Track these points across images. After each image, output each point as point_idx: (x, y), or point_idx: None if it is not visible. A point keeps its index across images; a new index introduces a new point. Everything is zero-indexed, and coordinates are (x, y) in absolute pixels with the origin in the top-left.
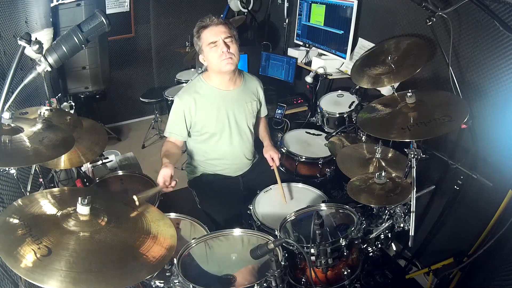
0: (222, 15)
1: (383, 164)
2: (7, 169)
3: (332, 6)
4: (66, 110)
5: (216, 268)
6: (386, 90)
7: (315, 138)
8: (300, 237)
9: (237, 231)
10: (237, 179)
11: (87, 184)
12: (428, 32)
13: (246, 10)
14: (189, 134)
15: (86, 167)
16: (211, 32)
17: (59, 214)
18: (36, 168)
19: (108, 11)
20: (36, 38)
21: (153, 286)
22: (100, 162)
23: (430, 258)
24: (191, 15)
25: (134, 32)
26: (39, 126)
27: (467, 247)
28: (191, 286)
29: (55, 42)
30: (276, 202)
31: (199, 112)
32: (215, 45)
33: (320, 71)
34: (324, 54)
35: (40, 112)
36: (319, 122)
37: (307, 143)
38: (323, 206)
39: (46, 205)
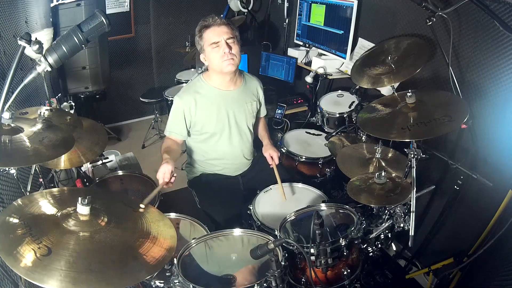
0: (222, 15)
1: (383, 164)
2: (7, 169)
3: (332, 6)
4: (66, 110)
5: (216, 268)
6: (386, 90)
7: (315, 138)
8: (300, 237)
9: (237, 231)
10: (237, 178)
11: (87, 184)
12: (428, 32)
13: (246, 10)
14: (188, 134)
15: (86, 167)
16: (214, 32)
17: (59, 214)
18: (36, 168)
19: (108, 11)
20: (36, 38)
21: (153, 286)
22: (100, 162)
23: (430, 258)
24: (191, 15)
25: (134, 32)
26: (39, 126)
27: (467, 247)
28: (191, 286)
29: (55, 42)
30: (276, 202)
31: (199, 112)
32: (217, 45)
33: (320, 71)
34: (324, 54)
35: (40, 112)
36: (319, 122)
37: (307, 143)
38: (323, 206)
39: (46, 205)
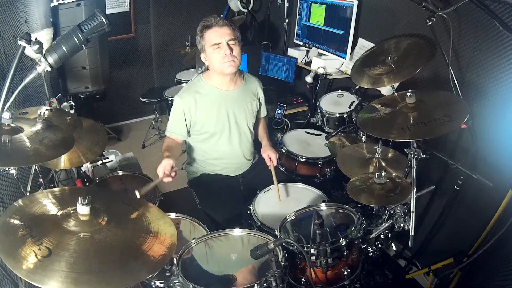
0: (222, 15)
1: (383, 164)
2: (7, 169)
3: (332, 6)
4: (66, 110)
5: (216, 268)
6: (386, 90)
7: (315, 138)
8: (300, 237)
9: (237, 231)
10: (237, 178)
11: (87, 184)
12: (428, 32)
13: (246, 10)
14: (189, 134)
15: (86, 167)
16: (216, 33)
17: (59, 214)
18: (36, 168)
19: (108, 11)
20: (36, 38)
21: (153, 286)
22: (100, 162)
23: (430, 258)
24: (191, 15)
25: (134, 32)
26: (39, 126)
27: (467, 247)
28: (191, 286)
29: (55, 42)
30: (276, 202)
31: (199, 111)
32: (218, 46)
33: (320, 71)
34: (324, 54)
35: (40, 112)
36: (319, 122)
37: (307, 143)
38: (323, 206)
39: (46, 205)
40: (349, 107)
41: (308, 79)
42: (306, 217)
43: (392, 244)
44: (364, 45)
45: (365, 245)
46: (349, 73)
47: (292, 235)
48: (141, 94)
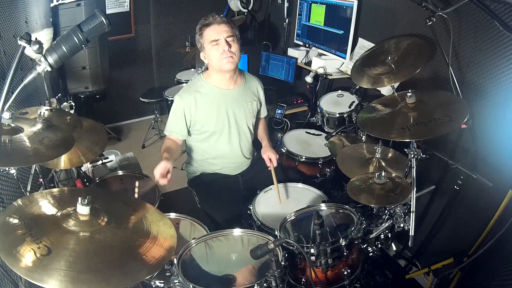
0: (222, 15)
1: (383, 164)
2: (7, 169)
3: (332, 6)
4: (66, 110)
5: (216, 268)
6: (386, 90)
7: (315, 138)
8: (300, 237)
9: (237, 231)
10: (237, 178)
11: (87, 184)
12: (428, 32)
13: (246, 10)
14: (189, 133)
15: (86, 167)
16: (214, 30)
17: (59, 214)
18: (36, 168)
19: (108, 11)
20: (36, 38)
21: (153, 286)
22: (100, 162)
23: (430, 258)
24: (191, 15)
25: (134, 32)
26: (39, 126)
27: (467, 247)
28: (191, 286)
29: (55, 42)
30: (276, 202)
31: (199, 111)
32: (216, 43)
33: (320, 71)
34: (324, 54)
35: (40, 112)
36: (319, 122)
37: (307, 143)
38: (323, 206)
39: (46, 205)
40: (349, 107)
41: (308, 79)
42: (306, 217)
43: (392, 244)
44: (364, 45)
45: (365, 245)
46: (349, 73)
47: (292, 235)
48: (141, 94)
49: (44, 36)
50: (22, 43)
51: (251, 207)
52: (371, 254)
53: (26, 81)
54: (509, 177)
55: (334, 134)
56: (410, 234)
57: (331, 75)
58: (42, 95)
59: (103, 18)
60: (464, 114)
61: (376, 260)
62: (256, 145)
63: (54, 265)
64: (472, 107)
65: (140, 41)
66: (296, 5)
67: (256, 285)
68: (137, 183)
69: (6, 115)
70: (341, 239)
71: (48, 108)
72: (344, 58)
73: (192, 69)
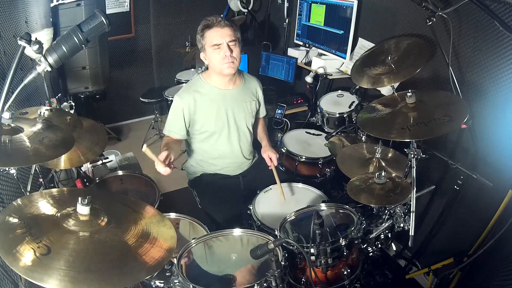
0: (222, 15)
1: (383, 164)
2: (7, 169)
3: (332, 6)
4: (66, 110)
5: (216, 268)
6: (386, 90)
7: (315, 138)
8: (300, 237)
9: (237, 231)
10: (237, 178)
11: (87, 184)
12: (428, 32)
13: (246, 10)
14: (188, 133)
15: (86, 167)
16: (216, 33)
17: (59, 214)
18: (36, 168)
19: (108, 11)
20: (36, 38)
21: (153, 286)
22: (100, 162)
23: (430, 258)
24: (191, 15)
25: (134, 32)
26: (39, 126)
27: (467, 247)
28: (191, 286)
29: (55, 42)
30: (276, 202)
31: (198, 111)
32: (218, 47)
33: (320, 71)
34: (324, 54)
35: (40, 112)
36: (319, 122)
37: (307, 143)
38: (323, 206)
39: (46, 205)
40: (349, 107)
41: (308, 79)
42: (306, 217)
43: (392, 244)
44: (364, 45)
45: (365, 245)
46: (349, 73)
47: (292, 235)
48: (141, 94)
49: (44, 36)
50: (22, 43)
51: (251, 207)
52: (371, 254)
53: (26, 81)
54: (509, 177)
55: (334, 134)
56: (410, 234)
57: (331, 75)
58: (42, 95)
59: (103, 18)
60: (464, 114)
61: (376, 260)
62: (256, 145)
63: (54, 265)
64: (472, 107)
65: (140, 41)
66: (296, 5)
67: (256, 285)
68: (145, 145)
69: (6, 115)
70: (341, 239)
71: (48, 108)
72: (344, 58)
73: (192, 69)
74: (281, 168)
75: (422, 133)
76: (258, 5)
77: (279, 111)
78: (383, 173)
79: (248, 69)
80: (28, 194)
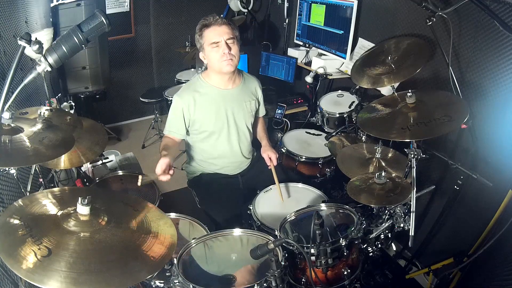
0: (222, 15)
1: (383, 164)
2: (7, 169)
3: (332, 6)
4: (66, 110)
5: (216, 268)
6: (386, 90)
7: (315, 138)
8: (300, 237)
9: (237, 231)
10: (237, 178)
11: (87, 184)
12: (428, 32)
13: (246, 10)
14: (187, 133)
15: (86, 167)
16: (214, 32)
17: (59, 214)
18: (36, 168)
19: (108, 11)
20: (36, 38)
21: (153, 286)
22: (100, 162)
23: (430, 258)
24: (191, 15)
25: (134, 32)
26: (39, 126)
27: (467, 247)
28: (191, 286)
29: (55, 42)
30: (276, 202)
31: (198, 110)
32: (217, 45)
33: (320, 71)
34: (324, 54)
35: (40, 112)
36: (319, 122)
37: (307, 143)
38: (323, 206)
39: (46, 205)
40: (349, 107)
41: (308, 79)
42: (306, 217)
43: (392, 244)
44: (364, 45)
45: (365, 245)
46: (349, 73)
47: (292, 235)
48: (141, 94)
49: (44, 36)
50: (22, 43)
51: (251, 207)
52: (371, 254)
53: (26, 81)
54: (509, 177)
55: (334, 134)
56: (410, 234)
57: (331, 75)
58: (42, 95)
59: (103, 18)
60: (464, 114)
61: (376, 260)
62: (256, 145)
63: (55, 266)
64: (472, 107)
65: (140, 41)
66: (296, 5)
67: (256, 285)
68: (140, 176)
69: (6, 115)
70: (341, 239)
71: (48, 108)
72: (344, 58)
73: (192, 69)
74: (281, 168)
75: (422, 133)
76: (258, 5)
77: (279, 111)
78: (383, 173)
79: (248, 69)
80: (28, 194)
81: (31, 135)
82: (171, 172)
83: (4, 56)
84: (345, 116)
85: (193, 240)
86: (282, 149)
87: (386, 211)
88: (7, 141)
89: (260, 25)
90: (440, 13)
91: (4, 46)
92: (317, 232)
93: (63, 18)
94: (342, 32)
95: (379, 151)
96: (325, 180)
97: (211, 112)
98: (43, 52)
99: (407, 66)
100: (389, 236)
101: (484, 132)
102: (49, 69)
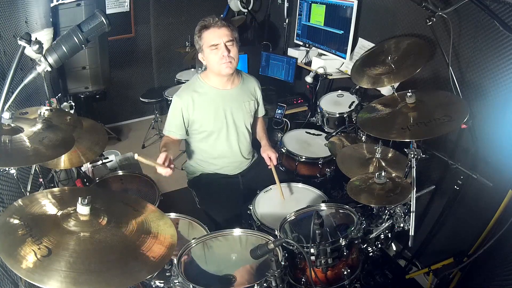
0: (222, 15)
1: (383, 164)
2: (7, 169)
3: (332, 6)
4: (66, 110)
5: (216, 268)
6: (386, 90)
7: (315, 138)
8: (300, 237)
9: (237, 231)
10: (237, 178)
11: (87, 184)
12: (428, 32)
13: (246, 10)
14: (187, 133)
15: (86, 167)
16: (214, 34)
17: (59, 214)
18: (36, 168)
19: (108, 11)
20: (36, 38)
21: (153, 286)
22: (100, 162)
23: (430, 258)
24: (191, 15)
25: (134, 32)
26: (39, 126)
27: (467, 247)
28: (191, 286)
29: (55, 42)
30: (276, 202)
31: (197, 110)
32: (216, 47)
33: (320, 71)
34: (324, 54)
35: (40, 112)
36: (319, 122)
37: (307, 143)
38: (323, 206)
39: (46, 205)
40: (349, 107)
41: (308, 79)
42: (306, 217)
43: (392, 244)
44: (364, 45)
45: (365, 245)
46: (349, 73)
47: (292, 235)
48: (141, 94)
49: (44, 36)
50: (22, 43)
51: (251, 207)
52: (371, 254)
53: (26, 81)
54: (509, 177)
55: (334, 134)
56: (410, 234)
57: (331, 75)
58: (42, 95)
59: (103, 18)
60: (464, 114)
61: (376, 260)
62: (256, 145)
63: (55, 266)
64: (472, 107)
65: (140, 41)
66: (296, 5)
67: (256, 285)
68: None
69: (6, 115)
70: (341, 239)
71: (48, 108)
72: (344, 58)
73: (192, 69)
74: (281, 168)
75: (422, 133)
76: (258, 5)
77: (279, 111)
78: (383, 173)
79: (248, 69)
80: (28, 194)
81: (31, 135)
82: (171, 165)
83: (4, 56)
84: (345, 116)
85: (193, 240)
86: (282, 149)
87: (386, 211)
88: (7, 141)
89: (260, 25)
90: (440, 13)
91: (4, 46)
92: (317, 232)
93: (63, 18)
94: (342, 32)
95: (379, 151)
96: (325, 180)
97: (210, 112)
98: (43, 52)
99: (407, 66)
100: (389, 236)
101: (484, 132)
102: (49, 69)
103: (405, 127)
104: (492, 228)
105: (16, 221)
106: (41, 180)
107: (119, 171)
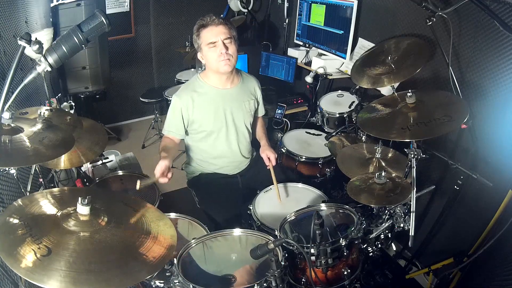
0: (222, 15)
1: (383, 164)
2: (7, 169)
3: (332, 6)
4: (66, 110)
5: (216, 268)
6: (386, 90)
7: (315, 138)
8: (300, 237)
9: (237, 231)
10: (236, 177)
11: (87, 184)
12: (428, 32)
13: (246, 10)
14: (186, 133)
15: (86, 167)
16: (211, 32)
17: (59, 214)
18: (36, 168)
19: (108, 11)
20: (36, 38)
21: (153, 286)
22: (100, 162)
23: (430, 258)
24: (191, 15)
25: (134, 32)
26: (39, 126)
27: (467, 247)
28: (191, 286)
29: (55, 42)
30: (276, 202)
31: (196, 110)
32: (214, 45)
33: (320, 71)
34: (324, 54)
35: (40, 112)
36: (319, 122)
37: (307, 143)
38: (323, 206)
39: (46, 205)
40: (349, 107)
41: (308, 79)
42: (306, 217)
43: (392, 244)
44: (364, 45)
45: (365, 245)
46: (349, 73)
47: (292, 235)
48: (141, 94)
49: (44, 36)
50: (22, 43)
51: (251, 207)
52: (371, 254)
53: (26, 81)
54: (509, 177)
55: (334, 134)
56: (410, 234)
57: (331, 75)
58: (42, 95)
59: (103, 18)
60: (464, 114)
61: (376, 260)
62: (256, 145)
63: (54, 266)
64: (472, 107)
65: (140, 41)
66: (296, 5)
67: (256, 285)
68: (138, 181)
69: (6, 115)
70: (341, 239)
71: (48, 108)
72: (344, 58)
73: (192, 69)
74: (280, 168)
75: (422, 133)
76: (258, 5)
77: (279, 111)
78: (383, 173)
79: (248, 69)
80: (28, 194)
81: (31, 135)
82: (169, 175)
83: (4, 56)
84: (345, 116)
85: (193, 240)
86: (282, 149)
87: (386, 211)
88: (7, 141)
89: (260, 25)
90: (440, 13)
91: (4, 46)
92: (317, 232)
93: (63, 18)
94: (342, 32)
95: (379, 151)
96: (325, 180)
97: (209, 112)
98: (43, 52)
99: (407, 66)
100: (389, 236)
101: (484, 132)
102: (49, 69)
103: (405, 127)
104: (492, 228)
105: (16, 221)
106: (41, 180)
107: (119, 171)
